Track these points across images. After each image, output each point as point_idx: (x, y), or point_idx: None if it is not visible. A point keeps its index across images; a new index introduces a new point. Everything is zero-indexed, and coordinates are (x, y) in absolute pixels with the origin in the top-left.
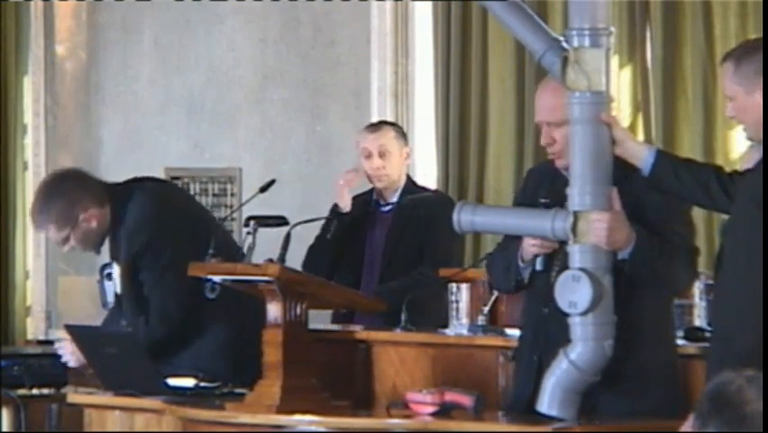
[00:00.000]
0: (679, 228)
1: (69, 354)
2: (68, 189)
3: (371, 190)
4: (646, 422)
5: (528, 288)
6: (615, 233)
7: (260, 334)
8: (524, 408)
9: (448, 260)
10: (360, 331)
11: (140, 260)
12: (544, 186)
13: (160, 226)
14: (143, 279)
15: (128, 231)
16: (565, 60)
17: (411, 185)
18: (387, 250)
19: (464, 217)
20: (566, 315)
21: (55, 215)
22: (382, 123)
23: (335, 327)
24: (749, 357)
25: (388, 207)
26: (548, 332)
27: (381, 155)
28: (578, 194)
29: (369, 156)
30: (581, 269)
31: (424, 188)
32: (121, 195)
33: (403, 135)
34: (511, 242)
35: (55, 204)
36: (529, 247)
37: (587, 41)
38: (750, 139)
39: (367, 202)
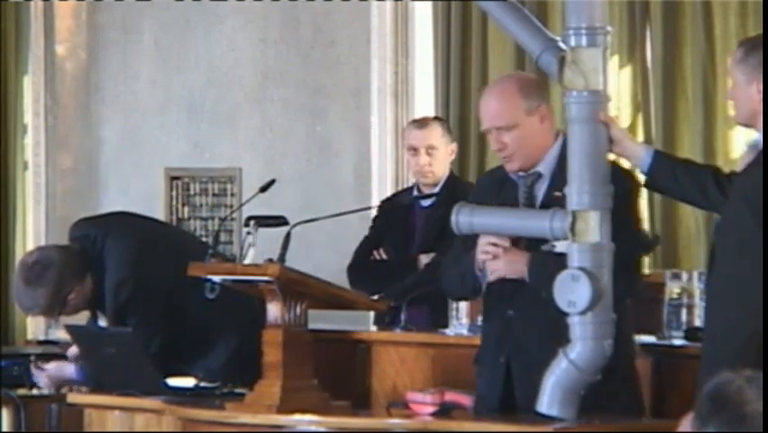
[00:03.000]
0: (627, 235)
1: (45, 377)
2: (51, 279)
3: (412, 187)
4: (646, 422)
5: (489, 290)
6: (513, 265)
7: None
8: (493, 411)
9: None
10: (360, 331)
11: (127, 307)
12: (492, 194)
13: (141, 277)
14: (130, 322)
15: (111, 288)
16: (562, 60)
17: (452, 178)
18: (425, 243)
19: (462, 219)
20: (533, 317)
21: (43, 305)
22: (430, 119)
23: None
24: (740, 356)
25: (428, 202)
26: (514, 334)
27: (428, 152)
28: (576, 193)
29: (415, 153)
30: (580, 268)
31: (464, 182)
32: (96, 255)
33: (449, 131)
34: (464, 252)
35: (42, 295)
36: (481, 255)
37: (584, 41)
38: (738, 123)
39: (408, 199)
